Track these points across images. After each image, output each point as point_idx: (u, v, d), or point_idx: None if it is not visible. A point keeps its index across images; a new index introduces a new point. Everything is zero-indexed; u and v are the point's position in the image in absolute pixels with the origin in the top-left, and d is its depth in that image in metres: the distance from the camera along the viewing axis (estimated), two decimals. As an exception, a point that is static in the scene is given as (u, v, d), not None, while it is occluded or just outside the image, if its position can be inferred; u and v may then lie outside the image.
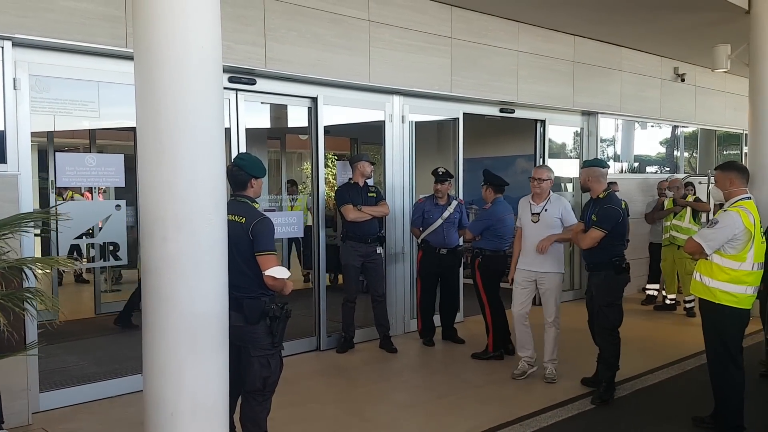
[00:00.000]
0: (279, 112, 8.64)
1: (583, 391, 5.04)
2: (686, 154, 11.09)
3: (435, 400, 4.89)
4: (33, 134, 4.50)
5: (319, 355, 6.15)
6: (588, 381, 5.11)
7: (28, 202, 4.37)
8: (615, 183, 8.31)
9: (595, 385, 4.98)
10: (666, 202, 8.15)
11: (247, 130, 5.72)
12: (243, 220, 3.51)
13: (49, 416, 4.51)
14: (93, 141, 7.87)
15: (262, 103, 6.38)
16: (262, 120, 8.58)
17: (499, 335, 5.96)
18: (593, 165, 5.07)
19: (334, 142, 11.24)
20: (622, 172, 9.51)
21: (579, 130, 8.93)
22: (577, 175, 8.67)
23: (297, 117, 8.49)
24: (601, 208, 4.82)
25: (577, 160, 8.96)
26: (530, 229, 5.36)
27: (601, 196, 4.90)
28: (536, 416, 4.56)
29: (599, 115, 8.83)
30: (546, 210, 5.33)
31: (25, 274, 3.10)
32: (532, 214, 5.37)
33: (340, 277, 7.13)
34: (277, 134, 10.17)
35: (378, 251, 6.25)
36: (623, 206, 5.04)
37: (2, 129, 4.28)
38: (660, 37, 8.50)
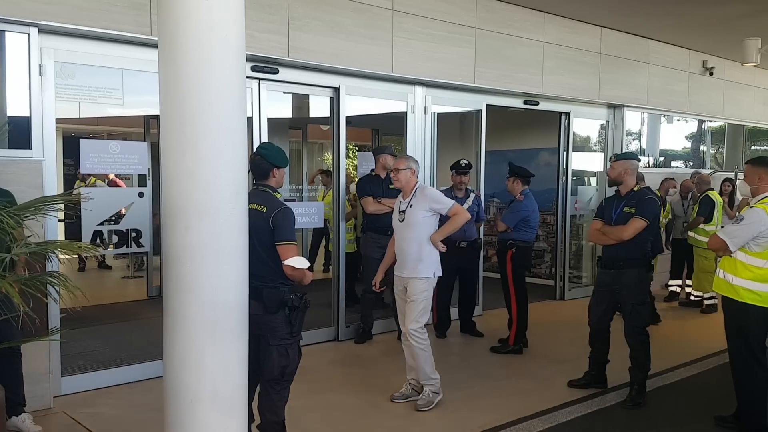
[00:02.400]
0: (300, 102, 8.64)
1: (604, 387, 4.97)
2: (712, 150, 10.90)
3: (453, 393, 4.86)
4: (58, 120, 4.54)
5: (337, 345, 6.16)
6: (575, 383, 5.04)
7: (53, 188, 4.41)
8: (672, 179, 8.24)
9: (583, 387, 4.96)
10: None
11: (268, 119, 5.72)
12: (264, 210, 3.51)
13: (71, 400, 4.57)
14: (147, 129, 7.76)
15: (284, 92, 6.37)
16: (284, 110, 8.59)
17: (521, 328, 5.92)
18: (629, 158, 4.90)
19: (355, 133, 11.21)
20: (648, 166, 9.38)
21: (604, 123, 8.81)
22: (602, 169, 8.61)
23: (318, 107, 8.47)
24: (640, 199, 4.68)
25: (602, 154, 8.85)
26: (397, 230, 4.69)
27: (635, 189, 4.79)
28: (555, 411, 4.52)
29: (625, 108, 8.69)
30: (411, 206, 4.59)
31: (49, 259, 3.12)
32: (399, 212, 4.66)
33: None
34: (298, 124, 10.17)
35: None
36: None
37: (27, 115, 4.31)
38: (689, 29, 8.32)
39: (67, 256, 3.13)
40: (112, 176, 8.26)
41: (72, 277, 2.88)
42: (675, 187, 8.16)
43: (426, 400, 4.54)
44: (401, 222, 4.61)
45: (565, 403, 4.67)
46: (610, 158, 4.97)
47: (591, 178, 9.06)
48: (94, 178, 8.35)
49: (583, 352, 5.13)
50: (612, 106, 8.68)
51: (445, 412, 4.52)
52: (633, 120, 9.01)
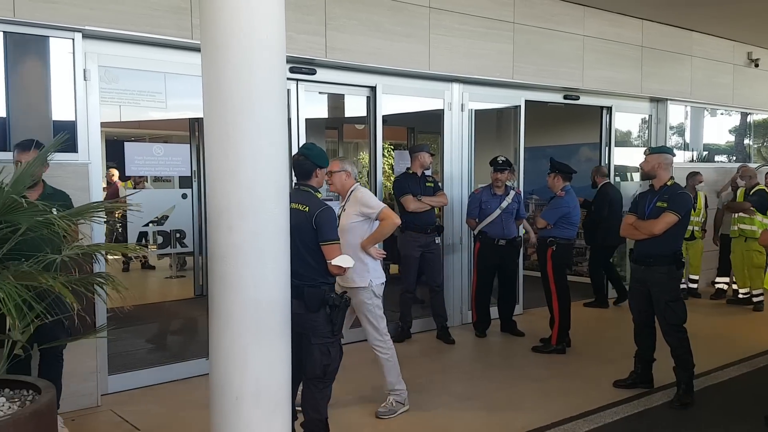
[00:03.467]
0: (336, 102, 8.66)
1: (650, 387, 4.87)
2: (757, 143, 10.58)
3: (495, 392, 4.82)
4: (101, 124, 4.63)
5: (376, 344, 6.15)
6: (620, 383, 4.95)
7: (98, 190, 4.51)
8: (699, 173, 8.05)
9: (629, 387, 4.86)
10: (738, 193, 7.83)
11: (306, 120, 5.74)
12: (306, 209, 3.53)
13: (117, 398, 4.66)
14: (192, 132, 7.78)
15: (319, 93, 6.40)
16: (321, 110, 8.62)
17: (564, 327, 5.84)
18: (663, 152, 4.84)
19: (390, 132, 11.20)
20: (691, 161, 9.15)
21: (647, 118, 8.63)
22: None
23: (354, 106, 8.49)
24: (674, 193, 4.61)
25: (644, 149, 8.66)
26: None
27: (668, 183, 4.71)
28: (600, 412, 4.44)
29: (668, 101, 8.51)
30: (344, 210, 4.36)
31: (96, 260, 3.19)
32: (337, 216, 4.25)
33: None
34: (334, 124, 10.21)
35: (437, 241, 6.21)
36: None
37: (73, 119, 4.41)
38: (733, 20, 8.09)
39: (114, 257, 3.18)
40: (115, 177, 8.33)
41: (117, 278, 2.93)
42: (702, 182, 7.99)
43: (387, 409, 4.37)
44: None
45: (610, 404, 4.58)
46: (645, 151, 4.90)
47: (634, 174, 8.88)
48: (130, 182, 8.50)
49: (628, 351, 5.03)
50: (655, 100, 8.51)
51: (488, 412, 4.47)
52: (676, 114, 8.80)
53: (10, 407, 2.55)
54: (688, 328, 4.68)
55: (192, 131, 7.69)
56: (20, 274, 2.34)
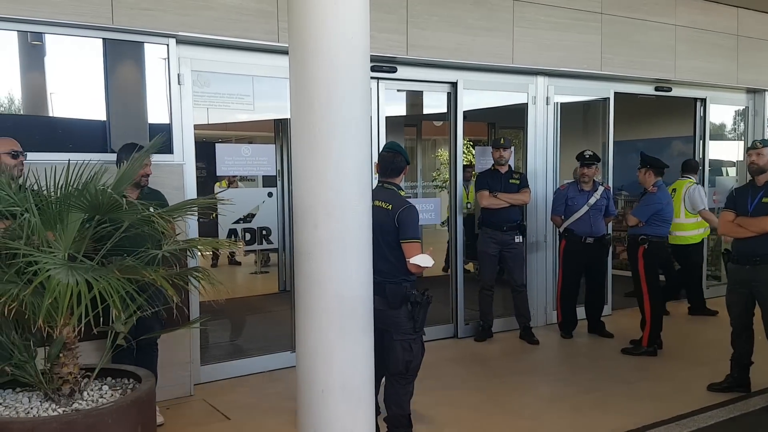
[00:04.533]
0: (415, 99, 8.66)
1: (747, 391, 4.61)
2: None
3: (581, 394, 4.69)
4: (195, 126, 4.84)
5: (456, 342, 6.13)
6: (715, 387, 4.70)
7: (192, 189, 4.71)
8: None
9: (725, 391, 4.63)
10: None
11: (386, 118, 5.78)
12: (390, 207, 3.56)
13: (209, 387, 4.85)
14: (277, 132, 7.99)
15: (398, 90, 6.41)
16: (400, 107, 8.65)
17: (656, 329, 5.61)
18: None
19: (470, 127, 11.09)
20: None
21: (742, 110, 8.16)
22: (741, 158, 7.97)
23: (432, 103, 8.46)
24: None
25: (740, 143, 8.21)
26: None
27: None
28: (694, 416, 4.24)
29: (766, 93, 8.02)
30: None
31: (191, 254, 3.33)
32: None
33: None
34: (413, 121, 10.21)
35: (516, 240, 6.07)
36: None
37: (168, 122, 4.62)
38: (839, 3, 7.53)
39: (209, 253, 3.32)
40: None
41: (212, 272, 3.05)
42: None
43: None
44: None
45: (704, 408, 4.37)
46: (755, 144, 4.58)
47: (730, 168, 8.42)
48: (224, 182, 8.80)
49: (723, 354, 4.78)
50: (752, 91, 8.05)
51: (574, 414, 4.37)
52: (776, 105, 8.28)
53: (112, 395, 2.72)
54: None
55: (276, 132, 7.89)
56: (124, 269, 2.48)
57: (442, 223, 7.25)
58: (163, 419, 4.14)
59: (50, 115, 4.36)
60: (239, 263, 10.42)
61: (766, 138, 6.96)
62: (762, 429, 4.12)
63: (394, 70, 5.66)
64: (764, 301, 4.43)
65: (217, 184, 7.69)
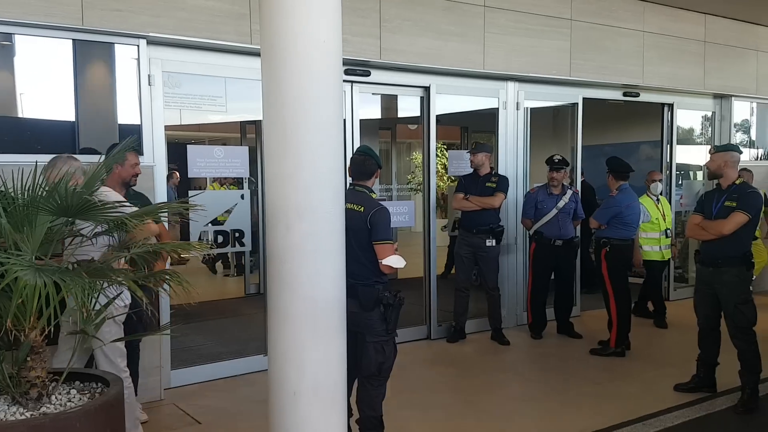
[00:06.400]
0: (389, 103, 8.72)
1: (713, 391, 4.72)
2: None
3: (552, 395, 4.76)
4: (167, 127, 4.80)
5: (429, 343, 6.17)
6: (682, 387, 4.81)
7: (162, 191, 4.67)
8: (749, 171, 7.73)
9: (691, 391, 4.73)
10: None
11: (360, 121, 5.80)
12: (362, 209, 3.58)
13: (179, 392, 4.80)
14: (244, 134, 8.04)
15: (372, 93, 6.44)
16: (374, 111, 8.69)
17: (623, 330, 5.71)
18: (729, 150, 4.67)
19: (443, 131, 11.15)
20: (757, 159, 8.80)
21: (710, 115, 8.36)
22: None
23: (407, 107, 8.52)
24: (743, 193, 4.45)
25: (707, 147, 8.39)
26: None
27: (737, 182, 4.55)
28: (661, 416, 4.33)
29: (733, 98, 8.21)
30: None
31: (163, 258, 3.31)
32: None
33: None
34: (388, 124, 10.26)
35: (488, 243, 6.08)
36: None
37: (138, 123, 4.58)
38: (803, 12, 7.76)
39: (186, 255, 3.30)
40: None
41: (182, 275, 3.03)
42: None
43: None
44: None
45: (671, 408, 4.46)
46: (710, 150, 4.74)
47: (698, 172, 8.61)
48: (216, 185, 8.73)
49: (690, 354, 4.88)
50: (719, 97, 8.24)
51: (544, 414, 4.43)
52: (741, 110, 8.50)
53: (80, 399, 2.68)
54: (757, 330, 4.52)
55: (243, 133, 7.86)
56: (92, 271, 2.46)
57: (443, 227, 7.32)
58: (147, 416, 4.19)
59: (19, 116, 4.29)
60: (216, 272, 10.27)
61: (732, 143, 7.15)
62: (728, 428, 4.21)
63: (368, 74, 5.68)
64: (726, 302, 4.51)
65: (210, 187, 7.65)
